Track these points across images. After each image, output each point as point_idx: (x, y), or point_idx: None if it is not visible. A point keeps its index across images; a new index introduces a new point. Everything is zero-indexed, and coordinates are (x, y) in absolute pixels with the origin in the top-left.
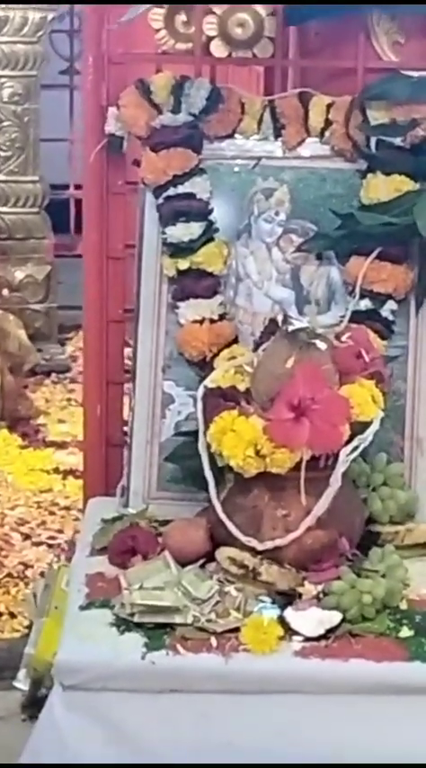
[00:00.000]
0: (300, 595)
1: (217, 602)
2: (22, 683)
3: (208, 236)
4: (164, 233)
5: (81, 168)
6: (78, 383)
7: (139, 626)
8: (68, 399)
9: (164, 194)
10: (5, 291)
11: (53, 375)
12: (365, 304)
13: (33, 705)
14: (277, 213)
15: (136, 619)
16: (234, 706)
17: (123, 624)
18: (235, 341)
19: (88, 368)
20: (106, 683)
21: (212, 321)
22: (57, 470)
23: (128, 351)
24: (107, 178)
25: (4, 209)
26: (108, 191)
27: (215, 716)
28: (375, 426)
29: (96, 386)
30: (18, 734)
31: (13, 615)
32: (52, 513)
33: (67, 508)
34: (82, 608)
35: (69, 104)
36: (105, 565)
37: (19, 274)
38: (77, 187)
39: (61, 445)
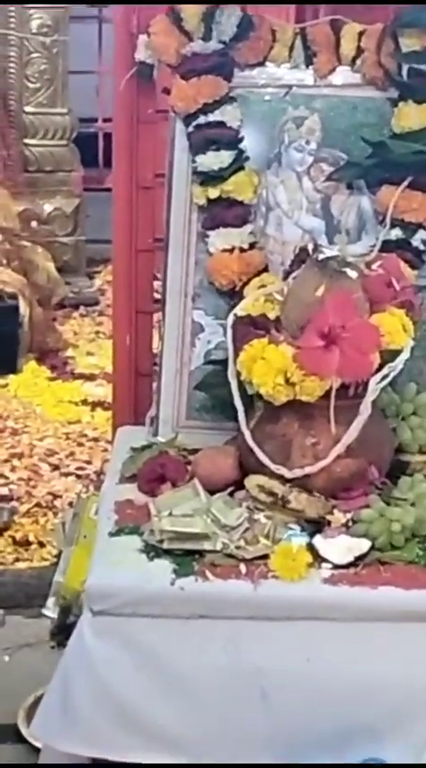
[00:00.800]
0: (329, 523)
1: (246, 530)
2: (50, 610)
3: (238, 164)
4: (194, 161)
5: (109, 101)
6: (106, 316)
7: (168, 552)
8: (97, 332)
9: (195, 122)
10: (34, 224)
11: (81, 308)
12: (395, 233)
13: (62, 632)
14: (307, 142)
15: (165, 545)
16: (262, 632)
17: (152, 551)
18: (265, 270)
19: (117, 297)
20: (135, 608)
21: (242, 250)
22: (85, 402)
23: (157, 284)
24: (137, 107)
25: (33, 141)
26: (138, 119)
27: (243, 642)
28: (405, 355)
29: (125, 316)
30: (47, 661)
31: (41, 544)
32: (80, 445)
33: (96, 439)
34: (111, 534)
35: (98, 37)
36: (134, 492)
37: (47, 207)
38: (106, 120)
39: (89, 377)
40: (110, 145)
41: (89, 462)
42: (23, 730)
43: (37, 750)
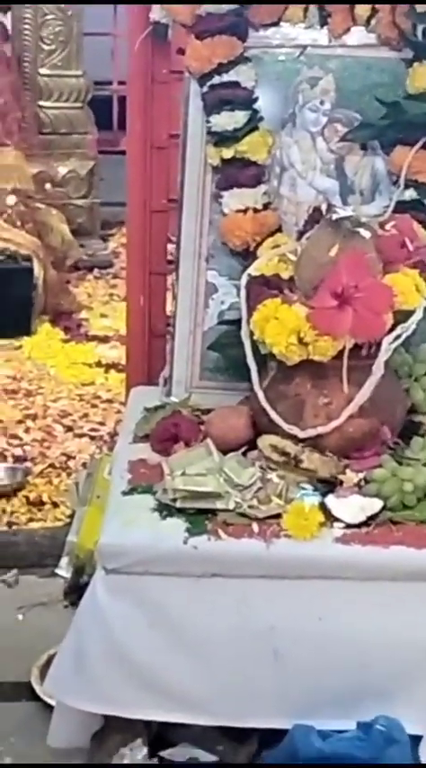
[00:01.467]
0: (341, 483)
1: (259, 489)
2: (64, 570)
3: (252, 124)
4: (208, 122)
5: (124, 64)
6: (120, 279)
7: (181, 511)
8: (111, 294)
9: (209, 83)
10: (48, 186)
11: (95, 270)
12: (409, 194)
13: (75, 592)
14: (322, 102)
15: (178, 504)
16: (274, 591)
17: (165, 509)
18: (279, 230)
19: (131, 258)
20: (148, 566)
21: (256, 210)
22: (99, 364)
23: (170, 246)
24: (151, 67)
25: (47, 103)
26: (152, 79)
27: (255, 600)
28: (418, 315)
29: (139, 277)
30: (60, 619)
31: (55, 504)
32: (94, 406)
33: (109, 401)
34: (124, 493)
35: None
36: (147, 452)
37: (62, 169)
38: (121, 83)
39: (103, 339)
40: (125, 108)
41: (102, 424)
42: (37, 688)
43: (50, 708)
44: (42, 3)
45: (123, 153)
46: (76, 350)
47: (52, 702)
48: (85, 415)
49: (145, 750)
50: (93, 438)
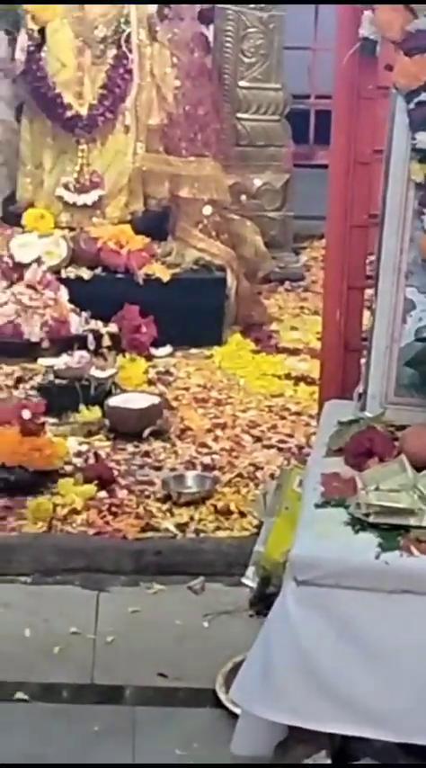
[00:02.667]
0: None
1: None
2: (250, 579)
3: None
4: (413, 138)
5: (323, 79)
6: (311, 292)
7: (374, 526)
8: (301, 307)
9: (416, 99)
10: (243, 198)
11: (287, 283)
12: None
13: (261, 602)
14: None
15: (371, 519)
16: None
17: (358, 524)
18: None
19: (329, 272)
20: (339, 579)
21: None
22: (288, 376)
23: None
24: (358, 82)
25: (246, 115)
26: (358, 95)
27: None
28: None
29: (337, 291)
30: (246, 628)
31: (242, 514)
32: (283, 418)
33: (298, 413)
34: (317, 506)
35: (314, 13)
36: (341, 465)
37: (257, 182)
38: (319, 97)
39: (293, 351)
40: (322, 122)
41: (291, 436)
42: (221, 696)
43: (234, 715)
44: (62, 3)
45: (318, 167)
46: (266, 361)
47: (236, 710)
48: (274, 427)
49: (328, 762)
50: (280, 449)
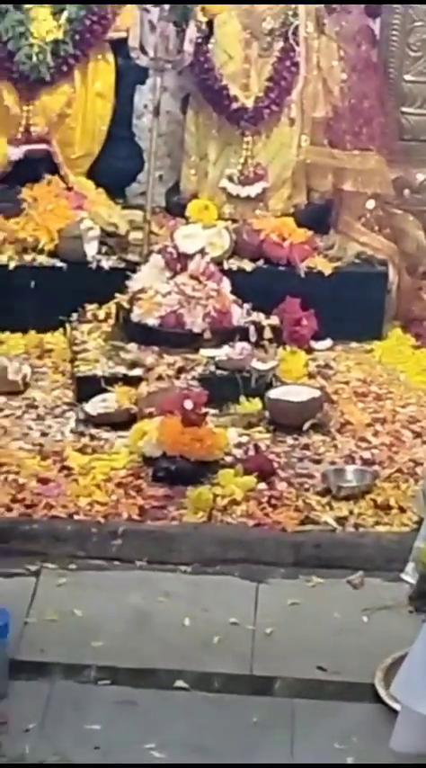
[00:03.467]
0: None
1: None
2: (409, 576)
3: None
4: None
5: None
6: None
7: None
8: None
9: None
10: (406, 192)
11: None
12: None
13: (420, 598)
14: None
15: None
16: None
17: None
18: None
19: None
20: None
21: None
22: None
23: None
24: None
25: (410, 109)
26: None
27: None
28: None
29: None
30: (405, 624)
31: (402, 509)
32: None
33: None
34: None
35: None
36: None
37: (420, 176)
38: None
39: None
40: None
41: None
42: (381, 691)
43: (393, 711)
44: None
45: None
46: None
47: (396, 706)
48: None
49: None
50: None
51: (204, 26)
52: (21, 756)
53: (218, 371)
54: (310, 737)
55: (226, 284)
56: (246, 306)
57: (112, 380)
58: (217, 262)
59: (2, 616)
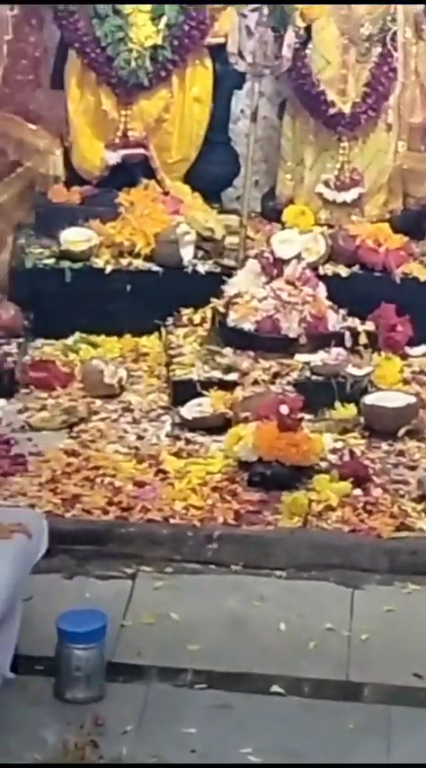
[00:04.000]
0: None
1: None
2: None
3: None
4: None
5: None
6: None
7: None
8: None
9: None
10: None
11: None
12: None
13: None
14: None
15: None
16: None
17: None
18: None
19: None
20: None
21: None
22: None
23: None
24: None
25: None
26: None
27: None
28: None
29: None
30: None
31: None
32: None
33: None
34: None
35: None
36: None
37: None
38: None
39: None
40: None
41: None
42: None
43: None
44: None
45: None
46: None
47: None
48: None
49: None
50: None
51: (302, 31)
52: (118, 758)
53: (314, 377)
54: (406, 745)
55: (322, 290)
56: (342, 311)
57: (208, 385)
58: (313, 267)
59: (99, 618)
